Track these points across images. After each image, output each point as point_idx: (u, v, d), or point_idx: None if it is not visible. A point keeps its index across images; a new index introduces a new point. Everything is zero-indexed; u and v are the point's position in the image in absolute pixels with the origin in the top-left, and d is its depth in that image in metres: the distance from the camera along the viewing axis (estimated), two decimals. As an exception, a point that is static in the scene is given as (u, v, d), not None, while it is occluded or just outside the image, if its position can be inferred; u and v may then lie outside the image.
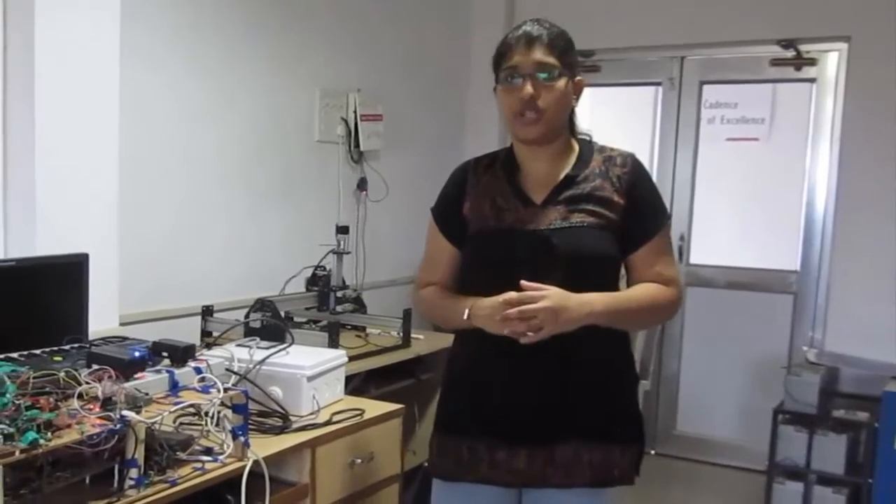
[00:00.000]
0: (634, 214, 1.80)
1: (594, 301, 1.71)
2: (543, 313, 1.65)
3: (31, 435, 1.41)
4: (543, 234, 1.76)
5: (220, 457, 1.79)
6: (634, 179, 1.82)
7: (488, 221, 1.82)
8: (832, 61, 4.27)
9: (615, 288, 1.81)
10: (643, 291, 1.81)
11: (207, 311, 3.07)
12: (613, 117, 5.01)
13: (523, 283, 1.67)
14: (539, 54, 1.75)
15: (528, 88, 1.74)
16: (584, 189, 1.80)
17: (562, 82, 1.77)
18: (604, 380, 1.82)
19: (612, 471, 1.80)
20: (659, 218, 1.85)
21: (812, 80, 4.36)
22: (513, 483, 1.82)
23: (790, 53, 4.30)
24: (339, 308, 3.45)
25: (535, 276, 1.70)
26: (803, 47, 4.27)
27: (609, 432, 1.81)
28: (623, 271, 1.87)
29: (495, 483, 1.82)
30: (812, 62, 4.32)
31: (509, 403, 1.80)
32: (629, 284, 1.85)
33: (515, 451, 1.79)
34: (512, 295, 1.65)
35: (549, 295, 1.66)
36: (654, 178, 4.83)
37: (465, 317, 1.78)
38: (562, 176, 1.82)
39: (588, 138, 1.90)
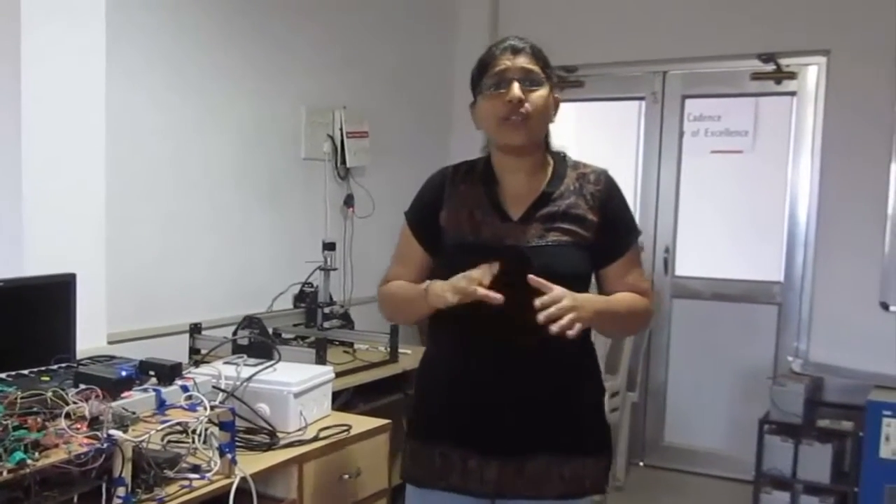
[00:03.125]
0: (607, 231, 1.83)
1: (595, 301, 1.75)
2: (573, 311, 1.64)
3: (19, 455, 1.42)
4: (521, 251, 1.78)
5: (208, 474, 1.80)
6: (607, 197, 1.85)
7: (466, 236, 1.83)
8: (812, 75, 4.33)
9: None
10: (627, 298, 1.84)
11: (195, 329, 3.08)
12: (598, 132, 5.06)
13: (532, 278, 1.65)
14: (524, 61, 1.79)
15: (516, 90, 1.75)
16: (560, 207, 1.82)
17: (545, 90, 1.80)
18: (574, 392, 1.84)
19: (583, 482, 1.83)
20: (631, 234, 1.90)
21: (792, 94, 4.41)
22: (484, 493, 1.83)
23: (770, 67, 4.36)
24: (326, 324, 3.46)
25: (511, 292, 1.69)
26: (783, 61, 4.33)
27: (580, 446, 1.83)
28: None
29: (467, 492, 1.84)
30: (792, 76, 4.38)
31: (481, 413, 1.81)
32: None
33: (487, 461, 1.81)
34: (545, 299, 1.63)
35: (566, 294, 1.66)
36: (639, 192, 4.83)
37: (423, 287, 1.78)
38: (538, 192, 1.84)
39: (562, 154, 1.92)
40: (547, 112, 1.82)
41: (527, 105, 1.76)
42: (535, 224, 1.81)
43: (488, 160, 1.90)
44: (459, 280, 1.69)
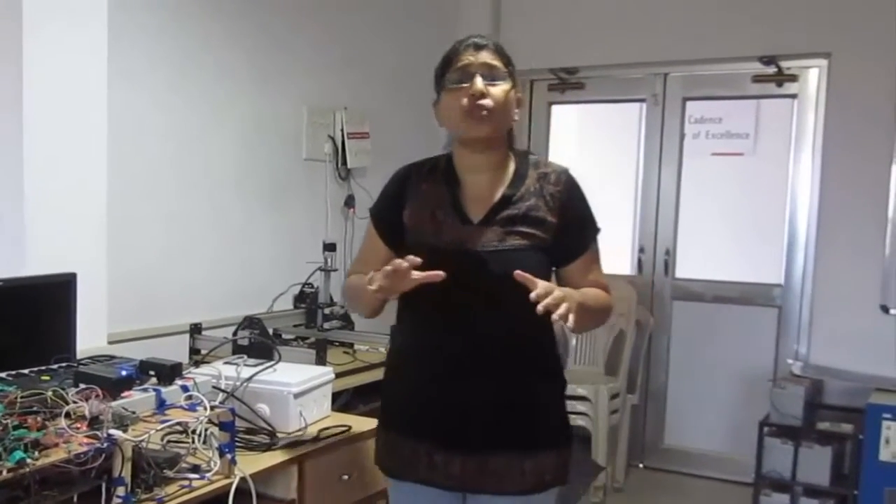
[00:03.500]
0: (567, 231, 1.86)
1: (575, 294, 1.76)
2: (565, 301, 1.66)
3: (19, 454, 1.43)
4: (480, 255, 1.81)
5: (208, 474, 1.80)
6: (567, 198, 1.87)
7: (428, 238, 1.85)
8: (813, 77, 4.33)
9: None
10: (595, 293, 1.88)
11: (196, 329, 3.08)
12: (599, 133, 5.06)
13: (518, 273, 1.67)
14: (487, 57, 1.83)
15: (479, 84, 1.79)
16: (520, 209, 1.84)
17: (508, 85, 1.83)
18: (535, 390, 1.87)
19: (543, 477, 1.86)
20: (590, 233, 1.92)
21: (793, 96, 4.42)
22: (450, 486, 1.87)
23: (771, 70, 4.36)
24: (326, 325, 3.47)
25: (471, 294, 1.77)
26: (784, 64, 4.33)
27: (540, 441, 1.86)
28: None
29: (434, 485, 1.87)
30: (793, 78, 4.38)
31: (445, 410, 1.84)
32: None
33: (451, 456, 1.84)
34: (540, 291, 1.64)
35: (554, 286, 1.70)
36: (640, 194, 4.80)
37: (368, 281, 1.79)
38: (499, 194, 1.86)
39: (525, 152, 1.95)
40: (509, 107, 1.84)
41: (489, 99, 1.79)
42: (494, 227, 1.83)
43: (451, 159, 1.92)
44: (386, 269, 1.71)
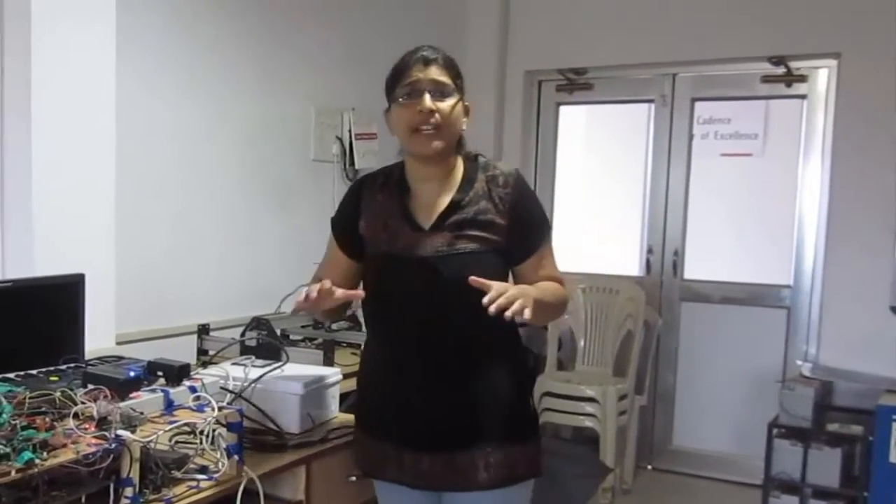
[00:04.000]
0: (518, 232, 1.88)
1: (531, 290, 1.77)
2: (520, 297, 1.67)
3: (27, 454, 1.43)
4: (431, 261, 1.84)
5: (215, 475, 1.80)
6: (516, 199, 1.89)
7: (381, 246, 1.90)
8: (822, 78, 4.32)
9: None
10: (551, 287, 1.90)
11: (203, 330, 3.08)
12: (607, 134, 5.05)
13: (473, 279, 1.69)
14: (436, 73, 1.86)
15: (428, 101, 1.82)
16: (469, 213, 1.87)
17: (455, 100, 1.86)
18: (495, 388, 1.88)
19: (515, 469, 1.87)
20: (541, 232, 1.94)
21: (803, 97, 4.40)
22: (420, 486, 1.89)
23: (781, 70, 4.35)
24: (334, 326, 3.46)
25: (425, 299, 1.82)
26: (794, 64, 4.32)
27: (506, 436, 1.87)
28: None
29: (405, 484, 1.90)
30: (802, 79, 4.36)
31: (408, 412, 1.87)
32: None
33: (419, 455, 1.87)
34: (492, 294, 1.66)
35: (508, 286, 1.72)
36: (648, 195, 4.80)
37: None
38: (448, 200, 1.88)
39: (475, 155, 1.97)
40: (457, 121, 1.88)
41: (437, 116, 1.82)
42: (444, 232, 1.86)
43: (403, 168, 1.96)
44: (311, 288, 1.78)
